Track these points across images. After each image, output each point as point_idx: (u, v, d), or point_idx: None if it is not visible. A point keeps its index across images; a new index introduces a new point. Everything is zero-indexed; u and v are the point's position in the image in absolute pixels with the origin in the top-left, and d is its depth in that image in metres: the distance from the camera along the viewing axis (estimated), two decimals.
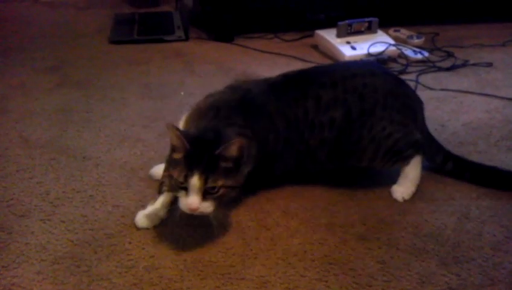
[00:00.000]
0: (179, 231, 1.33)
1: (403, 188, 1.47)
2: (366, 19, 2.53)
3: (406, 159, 1.45)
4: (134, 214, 1.38)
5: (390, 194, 1.47)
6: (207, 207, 1.18)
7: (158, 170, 1.49)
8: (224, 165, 1.19)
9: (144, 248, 1.27)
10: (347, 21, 2.49)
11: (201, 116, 1.35)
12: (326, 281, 1.18)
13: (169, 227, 1.34)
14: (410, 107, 1.46)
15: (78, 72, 2.30)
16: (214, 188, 1.18)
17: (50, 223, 1.35)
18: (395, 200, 1.45)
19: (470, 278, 1.19)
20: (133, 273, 1.19)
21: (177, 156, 1.21)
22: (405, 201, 1.45)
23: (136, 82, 2.21)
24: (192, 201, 1.16)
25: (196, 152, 1.17)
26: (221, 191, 1.19)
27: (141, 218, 1.34)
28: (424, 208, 1.43)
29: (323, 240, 1.30)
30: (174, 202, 1.30)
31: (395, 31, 2.70)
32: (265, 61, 2.46)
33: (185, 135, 1.20)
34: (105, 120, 1.87)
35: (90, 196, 1.46)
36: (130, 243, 1.29)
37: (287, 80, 1.46)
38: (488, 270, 1.22)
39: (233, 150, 1.18)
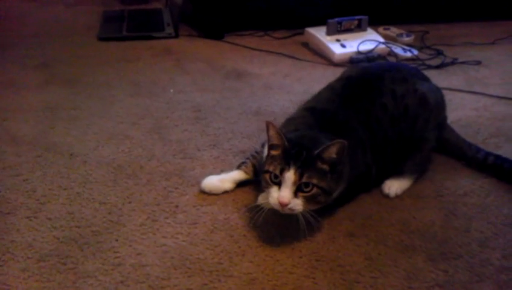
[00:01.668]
0: (167, 228, 1.32)
1: (398, 184, 1.47)
2: (356, 17, 2.53)
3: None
4: (121, 211, 1.38)
5: (378, 191, 1.47)
6: (297, 205, 1.20)
7: (209, 181, 1.46)
8: (321, 167, 1.20)
9: (131, 245, 1.26)
10: (337, 19, 2.49)
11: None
12: (314, 278, 1.18)
13: (158, 224, 1.33)
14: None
15: (66, 70, 2.28)
16: (307, 185, 1.19)
17: (36, 220, 1.34)
18: (383, 197, 1.45)
19: (457, 274, 1.20)
20: (120, 270, 1.19)
21: (275, 152, 1.24)
22: (393, 198, 1.45)
23: (125, 79, 2.19)
24: (284, 194, 1.18)
25: (295, 149, 1.20)
26: (314, 190, 1.20)
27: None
28: (412, 205, 1.43)
29: (311, 237, 1.30)
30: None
31: (385, 29, 2.71)
32: (255, 59, 2.45)
33: (284, 133, 1.23)
34: (93, 117, 1.86)
35: (77, 193, 1.45)
36: (116, 240, 1.28)
37: (352, 84, 1.48)
38: (476, 266, 1.22)
39: (332, 151, 1.19)
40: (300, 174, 1.18)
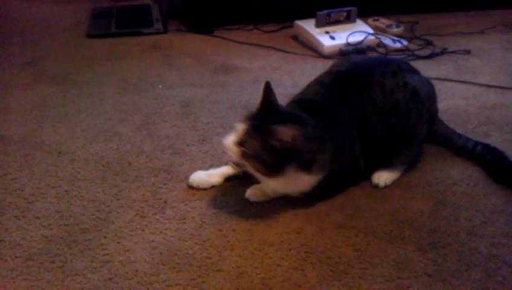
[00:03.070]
0: (155, 224, 1.32)
1: (388, 174, 1.47)
2: (345, 9, 2.52)
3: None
4: (109, 208, 1.37)
5: (367, 183, 1.47)
6: (233, 152, 1.25)
7: (197, 176, 1.47)
8: (270, 141, 1.22)
9: (119, 242, 1.26)
10: (325, 11, 2.48)
11: None
12: (303, 270, 1.18)
13: (146, 220, 1.33)
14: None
15: (54, 67, 2.27)
16: (246, 143, 1.24)
17: (24, 219, 1.34)
18: (372, 188, 1.45)
19: (446, 263, 1.20)
20: (108, 267, 1.18)
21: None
22: (382, 188, 1.45)
23: (114, 76, 2.18)
24: (228, 138, 1.26)
25: (264, 112, 1.28)
26: (252, 152, 1.24)
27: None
28: (401, 195, 1.43)
29: (300, 229, 1.30)
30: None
31: (375, 20, 2.70)
32: (244, 53, 2.45)
33: (267, 97, 1.31)
34: (82, 115, 1.85)
35: (66, 191, 1.44)
36: (105, 237, 1.27)
37: (341, 78, 1.48)
38: (464, 255, 1.22)
39: (285, 134, 1.22)
40: (246, 131, 1.24)
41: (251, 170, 1.28)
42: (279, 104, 1.34)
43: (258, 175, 1.29)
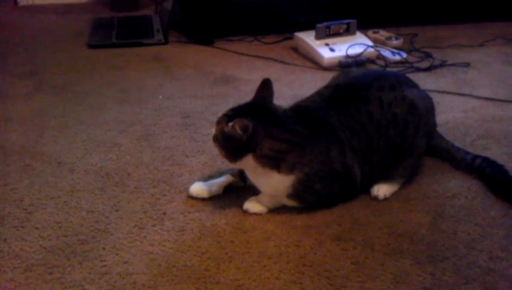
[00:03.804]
0: (154, 235, 1.32)
1: (387, 186, 1.47)
2: (345, 21, 2.54)
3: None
4: (108, 219, 1.38)
5: (365, 196, 1.47)
6: (212, 134, 1.36)
7: (197, 186, 1.48)
8: (228, 129, 1.30)
9: (117, 254, 1.26)
10: (325, 23, 2.50)
11: None
12: (301, 284, 1.18)
13: (145, 232, 1.33)
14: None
15: (55, 77, 2.28)
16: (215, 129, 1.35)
17: (23, 230, 1.34)
18: (371, 201, 1.46)
19: (444, 277, 1.20)
20: (107, 279, 1.18)
21: None
22: (380, 201, 1.45)
23: (114, 86, 2.19)
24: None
25: (247, 106, 1.37)
26: (216, 136, 1.33)
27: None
28: (400, 208, 1.43)
29: (298, 242, 1.30)
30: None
31: (374, 32, 2.71)
32: (244, 64, 2.46)
33: (259, 93, 1.39)
34: (82, 125, 1.86)
35: (65, 201, 1.44)
36: (103, 248, 1.27)
37: (339, 91, 1.49)
38: (462, 269, 1.22)
39: (236, 127, 1.28)
40: (221, 118, 1.34)
41: (218, 152, 1.36)
42: (270, 102, 1.38)
43: (222, 158, 1.38)
